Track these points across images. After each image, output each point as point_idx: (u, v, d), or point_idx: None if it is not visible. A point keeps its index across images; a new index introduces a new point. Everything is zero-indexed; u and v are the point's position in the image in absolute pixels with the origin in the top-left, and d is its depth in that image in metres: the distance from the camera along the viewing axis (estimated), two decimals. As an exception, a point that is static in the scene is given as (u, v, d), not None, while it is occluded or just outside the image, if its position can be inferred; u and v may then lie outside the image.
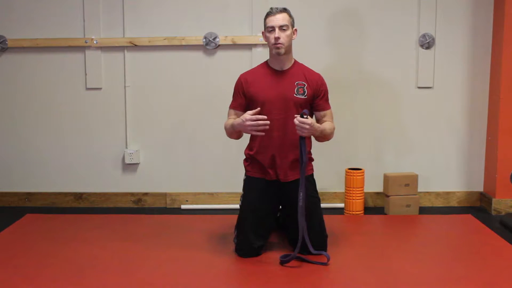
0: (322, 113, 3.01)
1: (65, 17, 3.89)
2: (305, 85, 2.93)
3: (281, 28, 2.86)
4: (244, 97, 2.97)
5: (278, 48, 2.87)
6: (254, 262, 2.87)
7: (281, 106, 2.89)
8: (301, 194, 2.80)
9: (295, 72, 2.96)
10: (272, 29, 2.87)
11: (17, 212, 3.82)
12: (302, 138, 2.81)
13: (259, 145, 2.93)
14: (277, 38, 2.85)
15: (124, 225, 3.53)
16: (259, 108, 2.80)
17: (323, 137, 2.95)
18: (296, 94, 2.91)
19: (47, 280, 2.66)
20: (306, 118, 2.73)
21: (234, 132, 2.94)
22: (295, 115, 2.77)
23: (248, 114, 2.77)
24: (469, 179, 4.03)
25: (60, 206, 4.04)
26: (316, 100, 2.98)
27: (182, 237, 3.28)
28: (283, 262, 2.83)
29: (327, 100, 3.03)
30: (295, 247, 2.88)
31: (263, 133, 2.78)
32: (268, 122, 2.75)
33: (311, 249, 2.86)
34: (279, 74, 2.96)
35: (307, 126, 2.72)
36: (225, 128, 2.99)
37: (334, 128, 3.00)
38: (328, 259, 2.84)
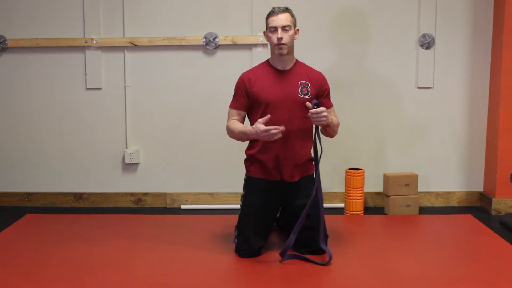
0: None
1: (65, 17, 3.89)
2: (308, 84, 2.93)
3: (284, 28, 2.85)
4: (247, 97, 2.93)
5: (281, 48, 2.86)
6: (254, 262, 2.87)
7: (285, 106, 2.88)
8: (315, 186, 2.85)
9: (298, 72, 2.95)
10: (275, 29, 2.85)
11: (17, 212, 3.82)
12: (317, 129, 2.86)
13: (261, 145, 2.90)
14: (280, 39, 2.83)
15: (124, 225, 3.53)
16: (269, 115, 2.76)
17: (332, 128, 2.93)
18: (300, 94, 2.90)
19: (47, 280, 2.66)
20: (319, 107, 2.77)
21: (244, 138, 2.91)
22: (307, 102, 2.79)
23: (260, 123, 2.72)
24: (469, 179, 4.03)
25: (60, 206, 4.04)
26: (320, 99, 2.97)
27: (182, 237, 3.28)
28: (283, 256, 2.85)
29: (329, 98, 3.05)
30: (297, 247, 2.90)
31: (280, 135, 2.71)
32: (283, 128, 2.71)
33: (322, 245, 2.86)
34: (282, 73, 2.94)
35: (325, 113, 2.73)
36: (232, 132, 2.92)
37: (339, 123, 3.02)
38: (330, 258, 2.84)
